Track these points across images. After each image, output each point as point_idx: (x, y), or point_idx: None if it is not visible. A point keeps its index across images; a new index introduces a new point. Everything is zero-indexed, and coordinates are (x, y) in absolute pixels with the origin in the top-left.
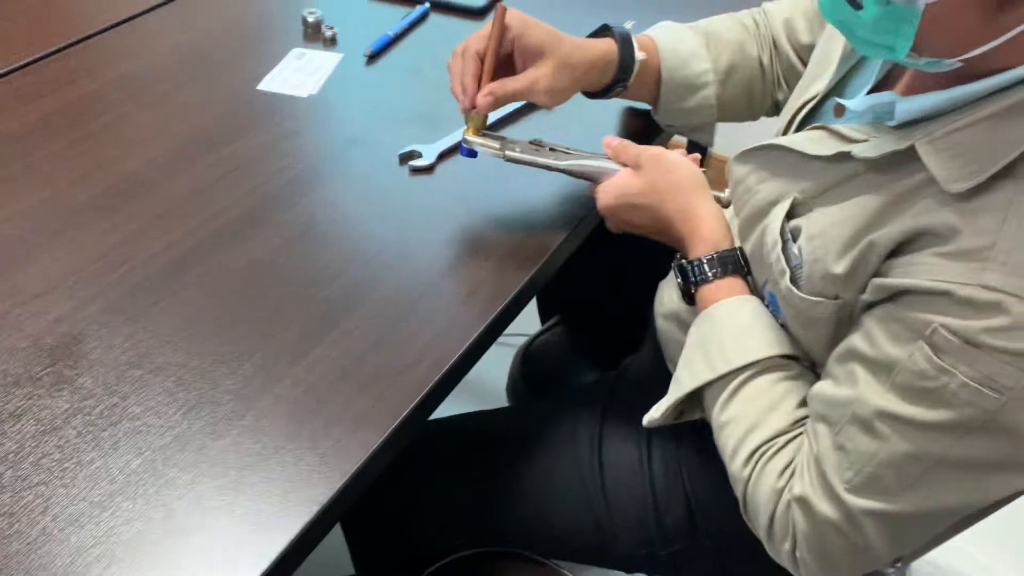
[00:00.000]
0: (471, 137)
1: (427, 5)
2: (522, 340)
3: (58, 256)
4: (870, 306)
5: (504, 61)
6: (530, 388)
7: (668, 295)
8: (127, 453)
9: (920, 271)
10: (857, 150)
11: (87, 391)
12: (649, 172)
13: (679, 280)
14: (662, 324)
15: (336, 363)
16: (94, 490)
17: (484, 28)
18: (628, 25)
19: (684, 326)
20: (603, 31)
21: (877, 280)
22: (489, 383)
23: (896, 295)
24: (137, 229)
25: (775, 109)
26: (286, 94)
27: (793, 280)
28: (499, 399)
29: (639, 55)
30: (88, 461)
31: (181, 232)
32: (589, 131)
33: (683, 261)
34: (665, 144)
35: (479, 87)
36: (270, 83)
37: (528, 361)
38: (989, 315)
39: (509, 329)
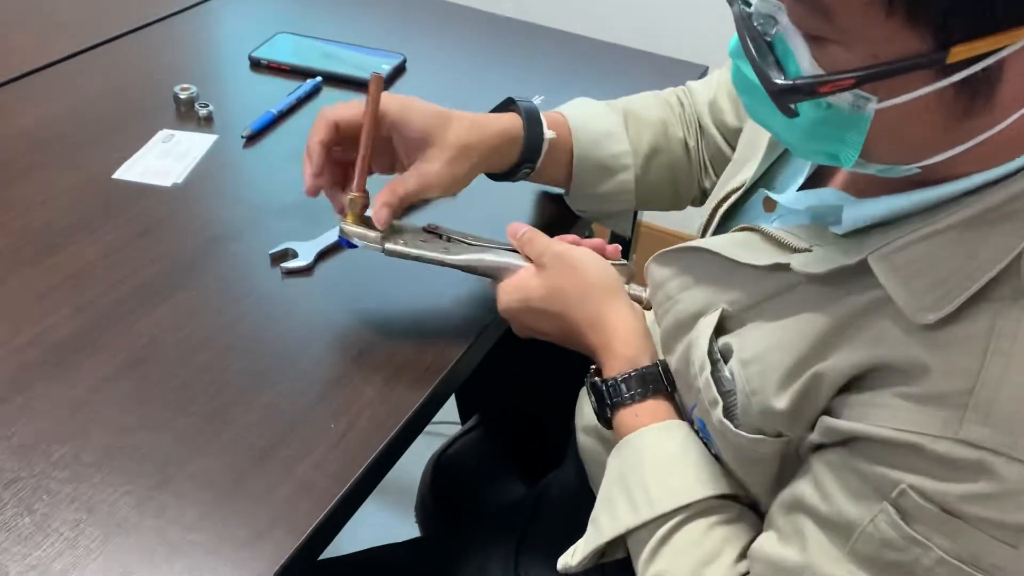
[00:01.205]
0: (348, 226)
1: (319, 79)
2: (449, 429)
3: None
4: (819, 447)
5: (381, 143)
6: (441, 508)
7: (589, 407)
8: None
9: (881, 415)
10: (797, 263)
11: None
12: (552, 273)
13: (593, 401)
14: (584, 440)
15: (182, 514)
16: None
17: (352, 101)
18: (536, 100)
19: (609, 444)
20: (507, 106)
21: (828, 420)
22: (410, 481)
23: (851, 440)
24: None
25: (703, 197)
26: (146, 183)
27: (727, 412)
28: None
29: (548, 133)
30: None
31: None
32: (500, 213)
33: (596, 379)
34: (584, 232)
35: (357, 172)
36: (129, 171)
37: (440, 474)
38: (971, 478)
39: (436, 417)
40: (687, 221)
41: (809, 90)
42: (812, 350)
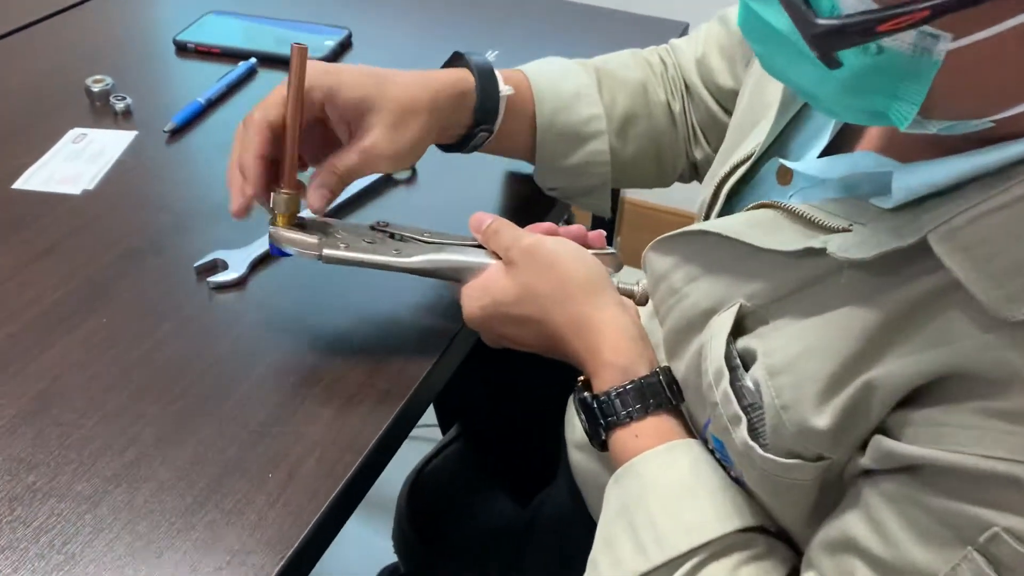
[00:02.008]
0: (279, 230)
1: (253, 61)
2: (433, 433)
3: None
4: (872, 472)
5: (317, 131)
6: (421, 535)
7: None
8: None
9: (961, 437)
10: (836, 246)
11: None
12: (524, 271)
13: (583, 420)
14: (577, 457)
15: None
16: None
17: (277, 90)
18: (490, 56)
19: (606, 462)
20: (454, 62)
21: (886, 443)
22: (392, 492)
23: (918, 468)
24: None
25: (692, 172)
26: (52, 192)
27: (752, 430)
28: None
29: (504, 89)
30: None
31: None
32: (462, 201)
33: (586, 395)
34: (561, 218)
35: (279, 170)
36: (31, 178)
37: (418, 496)
38: None
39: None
40: (682, 195)
41: (864, 30)
42: (859, 354)
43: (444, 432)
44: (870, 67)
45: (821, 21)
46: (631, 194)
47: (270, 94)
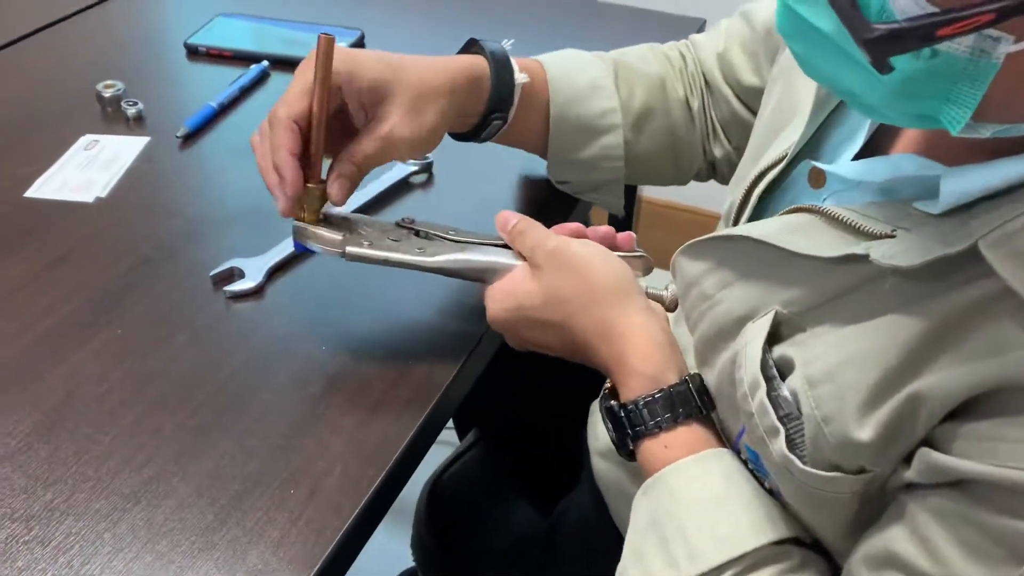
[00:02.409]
0: (304, 225)
1: (265, 64)
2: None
3: None
4: (917, 486)
5: (336, 120)
6: (441, 544)
7: (604, 427)
8: None
9: (1015, 452)
10: (879, 253)
11: None
12: (549, 274)
13: (610, 430)
14: (600, 465)
15: None
16: None
17: (297, 84)
18: (506, 44)
19: (631, 471)
20: (469, 48)
21: (934, 456)
22: (412, 497)
23: (968, 483)
24: None
25: (710, 170)
26: (64, 200)
27: (790, 442)
28: None
29: (520, 76)
30: None
31: None
32: (488, 198)
33: (613, 403)
34: (581, 218)
35: (309, 165)
36: (44, 187)
37: (437, 504)
38: None
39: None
40: (697, 193)
41: (924, 35)
42: (904, 364)
43: (461, 437)
44: (923, 71)
45: (878, 26)
46: (647, 192)
47: (289, 89)
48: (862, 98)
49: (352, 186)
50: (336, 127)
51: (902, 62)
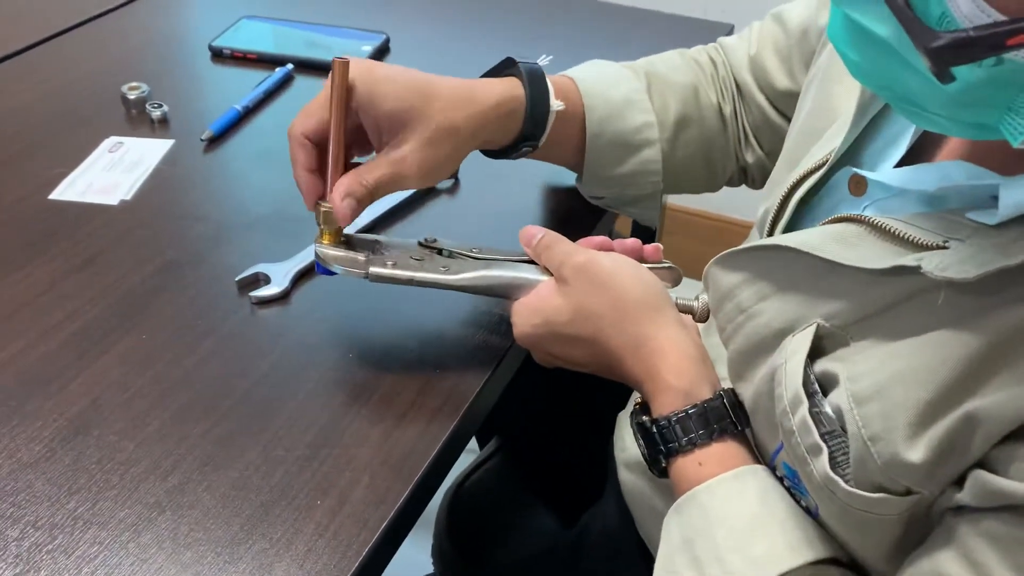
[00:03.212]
0: (324, 248)
1: (290, 67)
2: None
3: None
4: (968, 509)
5: (352, 132)
6: (462, 554)
7: (632, 437)
8: None
9: None
10: (932, 264)
11: None
12: (576, 289)
13: (642, 446)
14: (627, 477)
15: None
16: None
17: (315, 100)
18: (543, 61)
19: (659, 485)
20: (505, 68)
21: (990, 480)
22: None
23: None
24: None
25: (741, 176)
26: (89, 203)
27: (832, 461)
28: None
29: (556, 104)
30: None
31: None
32: (510, 211)
33: (644, 419)
34: (607, 230)
35: (328, 181)
36: (68, 189)
37: (458, 512)
38: None
39: None
40: (720, 200)
41: (992, 44)
42: (958, 381)
43: (482, 444)
44: (984, 79)
45: (944, 33)
46: (670, 200)
47: (305, 107)
48: (919, 106)
49: (360, 208)
50: (349, 133)
51: (963, 71)
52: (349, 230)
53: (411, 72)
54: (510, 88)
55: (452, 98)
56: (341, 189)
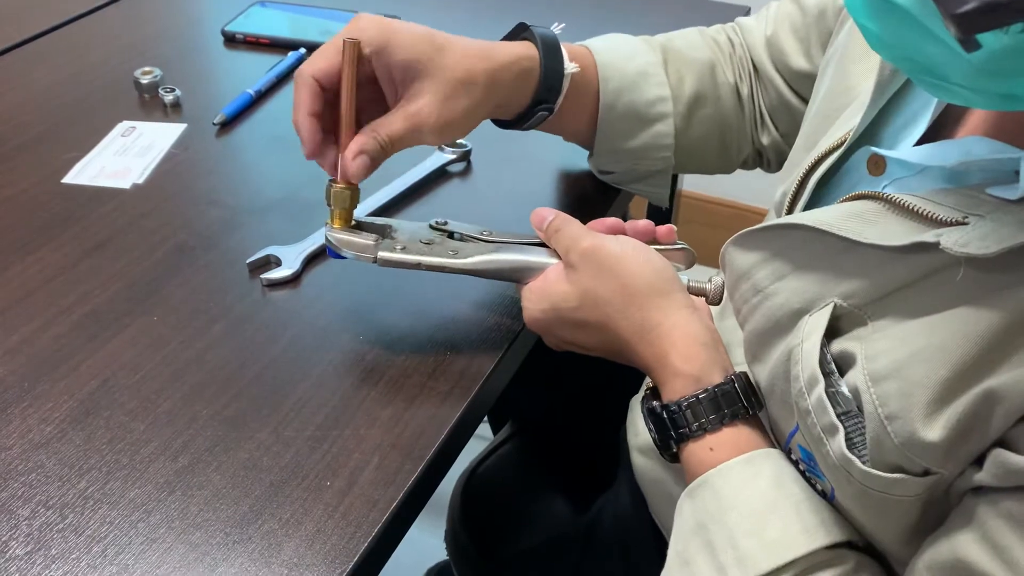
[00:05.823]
0: (333, 232)
1: (302, 51)
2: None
3: None
4: (988, 489)
5: (368, 88)
6: (475, 539)
7: (644, 424)
8: None
9: None
10: (952, 241)
11: None
12: (584, 275)
13: (653, 431)
14: (640, 461)
15: None
16: None
17: (333, 40)
18: (556, 28)
19: (672, 469)
20: (518, 33)
21: (1011, 459)
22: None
23: None
24: None
25: (757, 158)
26: (102, 186)
27: (848, 441)
28: None
29: (570, 66)
30: None
31: None
32: (523, 192)
33: (655, 404)
34: (620, 212)
35: (338, 135)
36: (81, 173)
37: (472, 498)
38: None
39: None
40: (733, 185)
41: (1021, 7)
42: (978, 358)
43: (495, 430)
44: (1011, 48)
45: None
46: (685, 185)
47: (322, 46)
48: (943, 77)
49: (373, 165)
50: (363, 95)
51: (988, 38)
52: (360, 213)
53: (426, 27)
54: (525, 49)
55: (467, 52)
56: (355, 146)
